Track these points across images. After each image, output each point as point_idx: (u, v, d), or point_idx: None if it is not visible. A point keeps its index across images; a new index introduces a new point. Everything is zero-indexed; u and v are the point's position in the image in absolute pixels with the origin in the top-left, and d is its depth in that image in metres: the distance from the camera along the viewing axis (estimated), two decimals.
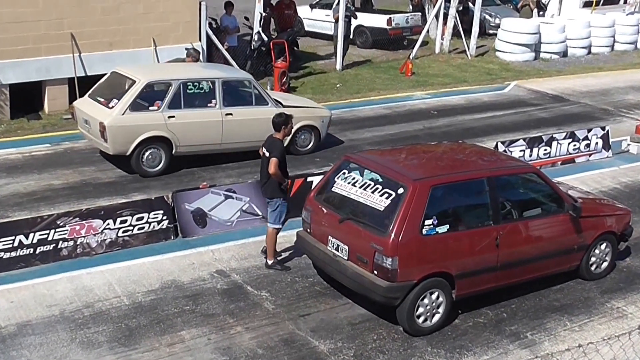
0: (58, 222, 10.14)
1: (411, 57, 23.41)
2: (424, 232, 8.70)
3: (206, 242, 10.95)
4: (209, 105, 13.52)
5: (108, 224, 10.42)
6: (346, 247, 9.05)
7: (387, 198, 8.83)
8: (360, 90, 19.99)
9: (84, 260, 10.21)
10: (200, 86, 13.51)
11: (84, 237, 10.29)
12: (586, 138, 15.43)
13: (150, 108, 13.05)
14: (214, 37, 18.91)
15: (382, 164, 9.51)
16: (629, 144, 16.28)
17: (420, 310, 8.85)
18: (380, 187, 8.99)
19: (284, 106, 14.12)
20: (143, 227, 10.70)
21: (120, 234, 10.54)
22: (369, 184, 9.15)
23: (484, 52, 25.88)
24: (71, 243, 10.21)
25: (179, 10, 17.50)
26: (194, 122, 13.31)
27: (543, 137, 15.00)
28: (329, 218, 9.37)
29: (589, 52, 27.02)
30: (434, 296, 8.90)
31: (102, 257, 10.34)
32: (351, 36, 23.80)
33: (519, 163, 10.97)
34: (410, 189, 8.70)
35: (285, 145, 10.14)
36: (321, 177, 10.81)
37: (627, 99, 21.21)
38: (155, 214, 10.78)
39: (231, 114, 13.57)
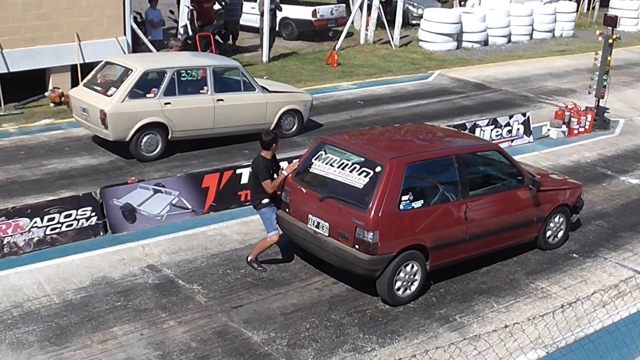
0: None
1: (337, 48, 23.62)
2: (401, 207, 9.17)
3: (136, 237, 10.88)
4: (201, 91, 14.06)
5: (35, 222, 10.26)
6: (327, 224, 9.38)
7: (365, 176, 9.24)
8: (287, 82, 19.89)
9: (11, 260, 10.03)
10: (193, 74, 14.06)
11: (11, 236, 10.11)
12: (508, 124, 15.91)
13: (147, 95, 13.53)
14: (139, 31, 18.73)
15: (358, 145, 9.95)
16: (549, 129, 16.84)
17: (399, 282, 9.33)
18: (358, 167, 9.40)
19: (269, 92, 14.88)
20: (71, 224, 10.57)
21: (48, 231, 10.39)
22: (347, 164, 9.53)
23: (407, 42, 26.26)
24: None
25: (102, 5, 17.23)
26: (188, 108, 13.85)
27: (467, 124, 15.36)
28: (309, 197, 9.68)
29: (509, 41, 27.73)
30: (409, 267, 9.37)
31: (30, 255, 10.18)
32: (277, 28, 23.85)
33: (482, 142, 11.77)
34: (388, 167, 9.16)
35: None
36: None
37: (546, 86, 21.87)
38: (83, 211, 10.66)
39: (222, 100, 14.15)
